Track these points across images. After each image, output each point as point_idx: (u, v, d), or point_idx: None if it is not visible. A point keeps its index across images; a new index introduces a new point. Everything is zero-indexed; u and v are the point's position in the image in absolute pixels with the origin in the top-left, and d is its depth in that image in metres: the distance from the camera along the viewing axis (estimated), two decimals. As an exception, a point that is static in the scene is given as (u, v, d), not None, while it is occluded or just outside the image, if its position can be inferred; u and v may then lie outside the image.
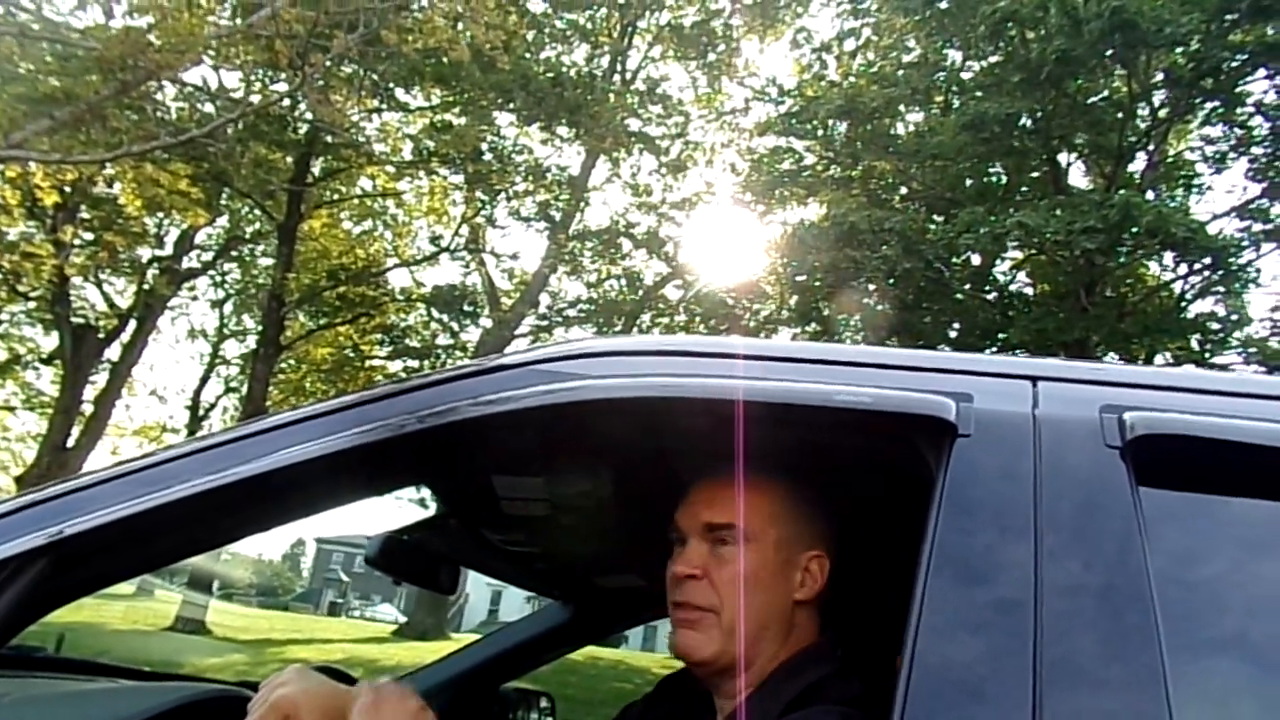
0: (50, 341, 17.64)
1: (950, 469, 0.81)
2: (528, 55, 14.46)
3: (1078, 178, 13.17)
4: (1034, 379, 0.89)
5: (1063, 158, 12.36)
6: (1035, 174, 12.75)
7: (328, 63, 9.76)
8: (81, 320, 16.41)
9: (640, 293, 17.07)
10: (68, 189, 12.44)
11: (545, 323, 16.96)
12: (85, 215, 14.51)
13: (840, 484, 1.05)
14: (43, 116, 8.33)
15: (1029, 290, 13.97)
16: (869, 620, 1.06)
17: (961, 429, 0.83)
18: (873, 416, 0.87)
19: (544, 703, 2.23)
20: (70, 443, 15.74)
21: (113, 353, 17.11)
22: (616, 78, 16.76)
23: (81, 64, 8.57)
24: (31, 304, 16.84)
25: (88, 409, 16.66)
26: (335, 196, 16.62)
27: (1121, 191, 10.03)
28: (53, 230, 13.53)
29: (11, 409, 19.73)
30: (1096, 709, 0.69)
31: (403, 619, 23.19)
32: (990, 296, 13.17)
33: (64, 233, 13.40)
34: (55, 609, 0.91)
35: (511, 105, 14.36)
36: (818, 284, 12.27)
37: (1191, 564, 0.80)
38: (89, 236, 14.80)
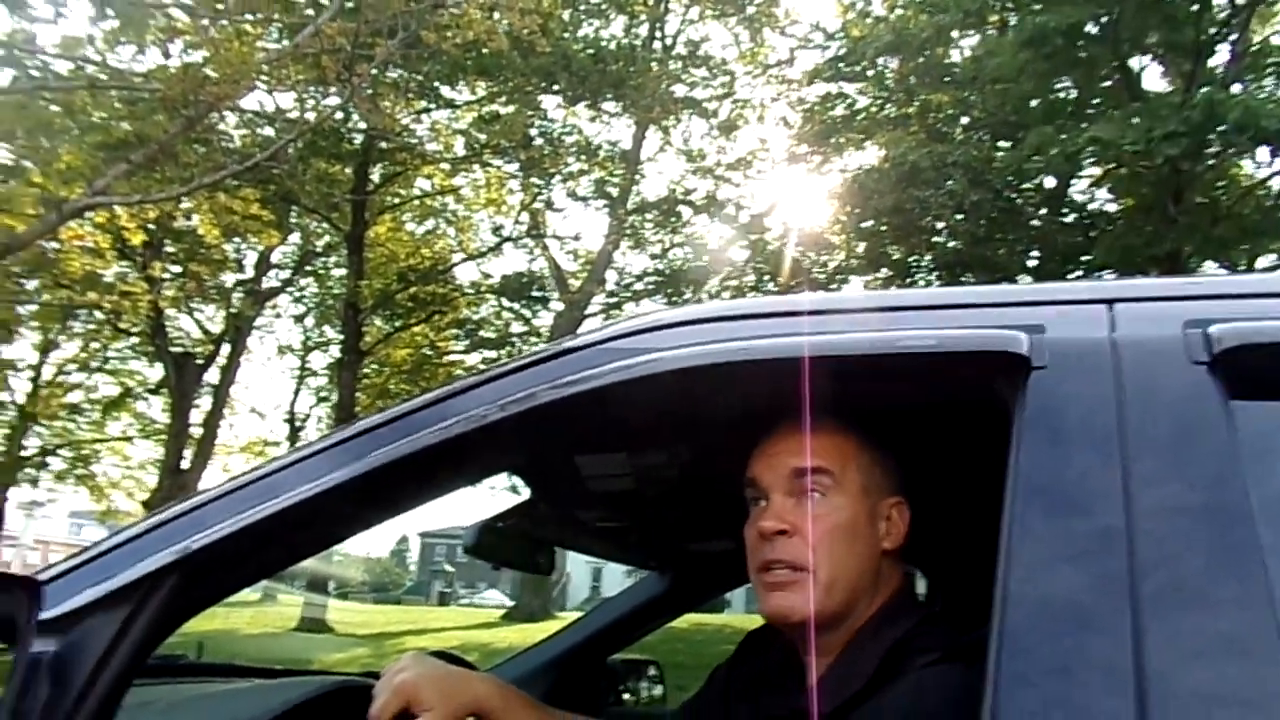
0: (155, 372, 18.74)
1: (1027, 403, 0.80)
2: (566, 35, 14.42)
3: (1154, 81, 12.45)
4: (1109, 302, 0.86)
5: (1135, 62, 11.68)
6: (1106, 84, 12.08)
7: (373, 71, 9.96)
8: (180, 349, 17.34)
9: (705, 258, 16.96)
10: (151, 226, 13.10)
11: (614, 299, 17.03)
12: (170, 249, 15.28)
13: (917, 429, 1.04)
14: (120, 161, 8.77)
15: (1111, 207, 13.32)
16: (953, 564, 1.06)
17: (1035, 361, 0.81)
18: (940, 358, 0.86)
19: (652, 671, 2.29)
20: (185, 465, 16.69)
21: (211, 376, 18.03)
22: (657, 45, 16.55)
23: (148, 106, 8.97)
24: (134, 339, 17.89)
25: (196, 432, 17.63)
26: (396, 200, 17.00)
27: (1203, 89, 9.45)
28: (143, 268, 14.29)
29: (129, 439, 21.07)
30: (1200, 631, 0.68)
31: (510, 603, 23.90)
32: (1069, 219, 12.62)
33: (154, 269, 14.13)
34: (191, 618, 0.98)
35: (555, 87, 14.37)
36: (884, 228, 11.98)
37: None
38: (176, 269, 15.56)
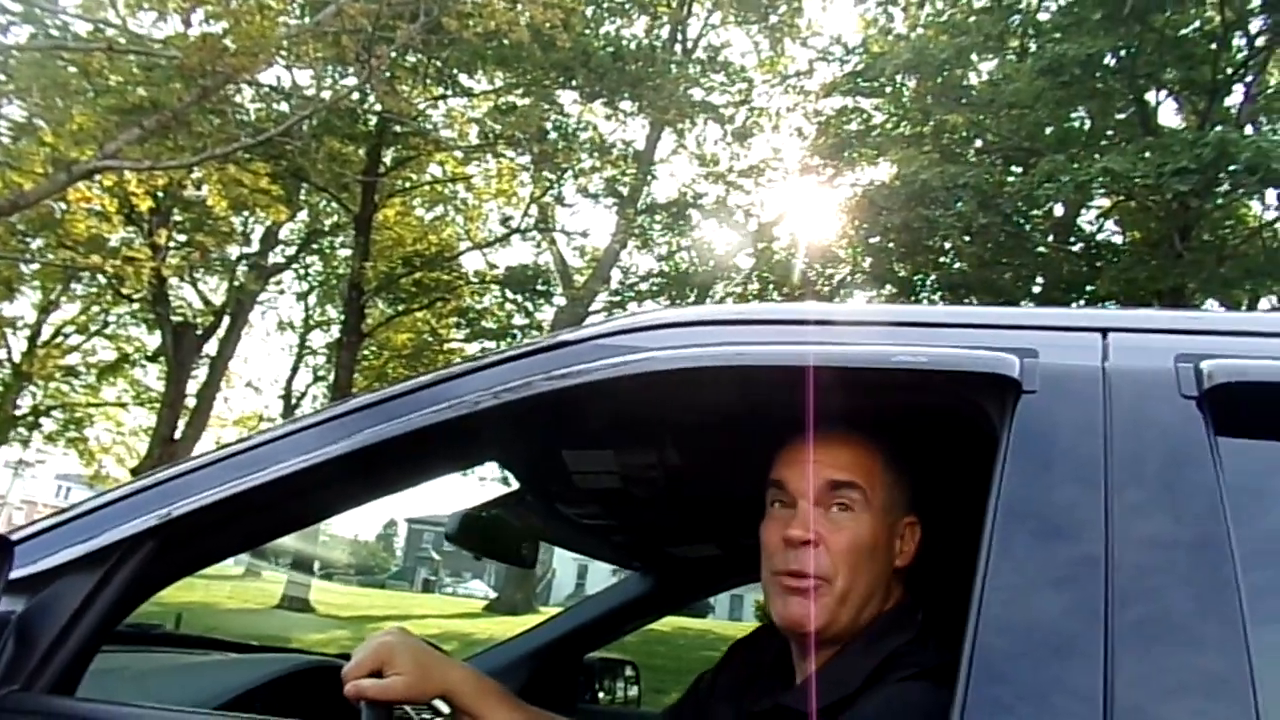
0: (154, 340, 18.71)
1: (1015, 427, 0.79)
2: (587, 31, 14.40)
3: (1168, 117, 12.47)
4: (1104, 330, 0.86)
5: (1151, 97, 11.70)
6: (1121, 116, 12.10)
7: (393, 54, 9.95)
8: (181, 319, 17.30)
9: (711, 263, 16.95)
10: (160, 194, 13.08)
11: (618, 298, 17.00)
12: (178, 218, 15.25)
13: (911, 446, 1.04)
14: (133, 126, 8.75)
15: (1118, 239, 13.34)
16: (943, 583, 1.06)
17: (1026, 385, 0.81)
18: (933, 376, 0.86)
19: (628, 671, 2.29)
20: (177, 435, 16.66)
21: (210, 348, 18.00)
22: (677, 48, 16.55)
23: (165, 73, 8.95)
24: (135, 305, 17.85)
25: (191, 402, 17.61)
26: (407, 185, 16.96)
27: (1216, 128, 9.45)
28: (149, 234, 14.25)
29: (124, 405, 21.04)
30: (1173, 666, 0.68)
31: (493, 594, 23.89)
32: (1075, 248, 12.63)
33: (160, 236, 14.09)
34: (167, 586, 0.98)
35: (573, 83, 14.36)
36: (891, 245, 11.99)
37: (1274, 516, 0.77)
38: (182, 238, 15.54)
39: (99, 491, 1.01)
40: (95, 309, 19.45)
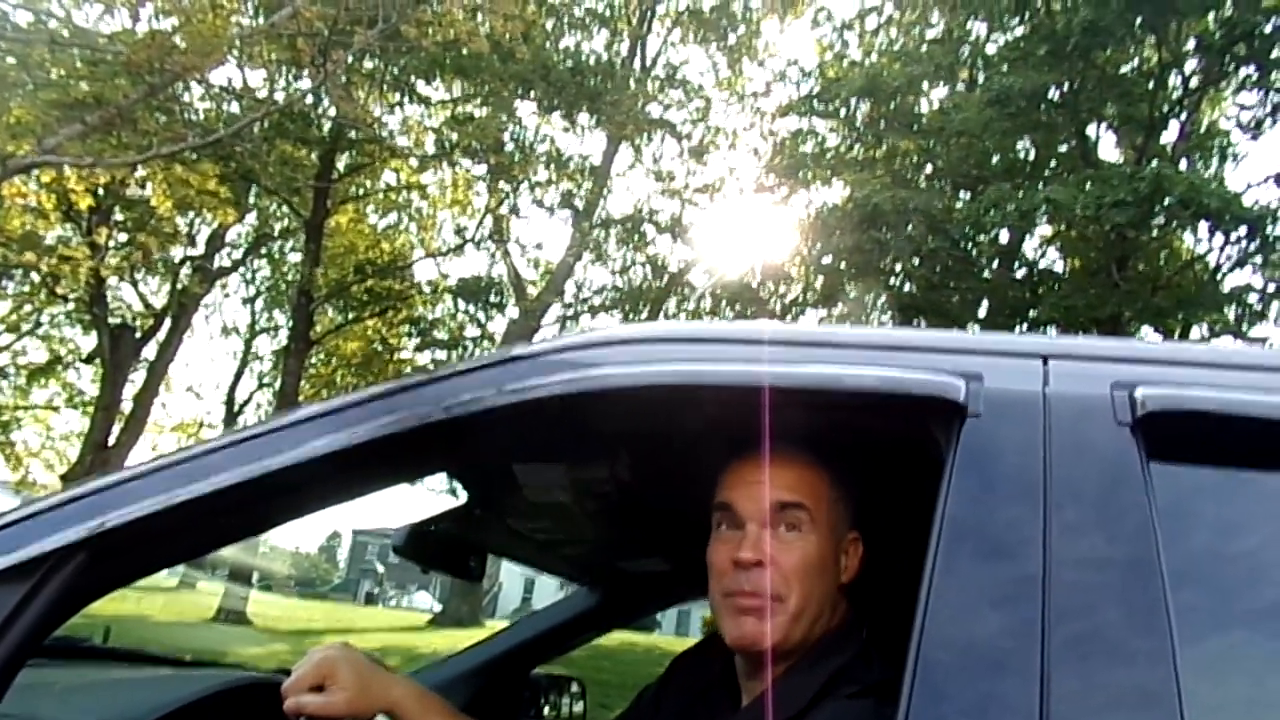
0: (89, 341, 18.04)
1: (960, 449, 0.82)
2: (547, 44, 14.45)
3: (1108, 150, 12.96)
4: (1045, 357, 0.89)
5: (1092, 130, 12.15)
6: (1064, 148, 12.53)
7: (349, 59, 9.83)
8: (119, 320, 16.74)
9: (665, 279, 17.04)
10: (101, 192, 12.67)
11: (571, 311, 17.00)
12: (119, 217, 14.79)
13: (858, 466, 1.06)
14: (74, 121, 8.48)
15: (1059, 267, 13.78)
16: (889, 601, 1.07)
17: (971, 409, 0.83)
18: (881, 398, 0.88)
19: (574, 687, 2.27)
20: (111, 440, 16.09)
21: (150, 351, 17.45)
22: (636, 64, 16.68)
23: (110, 68, 8.71)
24: (70, 305, 17.21)
25: (127, 407, 17.03)
26: (360, 191, 16.75)
27: (1153, 163, 9.85)
28: (88, 233, 13.79)
29: (55, 408, 20.23)
30: (1105, 682, 0.70)
31: (438, 608, 23.50)
32: (1019, 274, 13.01)
33: (99, 235, 13.65)
34: (96, 600, 0.94)
35: (532, 95, 14.37)
36: (843, 266, 12.20)
37: (1202, 539, 0.80)
38: (123, 238, 15.07)
39: (28, 499, 0.98)
40: (27, 308, 18.71)
